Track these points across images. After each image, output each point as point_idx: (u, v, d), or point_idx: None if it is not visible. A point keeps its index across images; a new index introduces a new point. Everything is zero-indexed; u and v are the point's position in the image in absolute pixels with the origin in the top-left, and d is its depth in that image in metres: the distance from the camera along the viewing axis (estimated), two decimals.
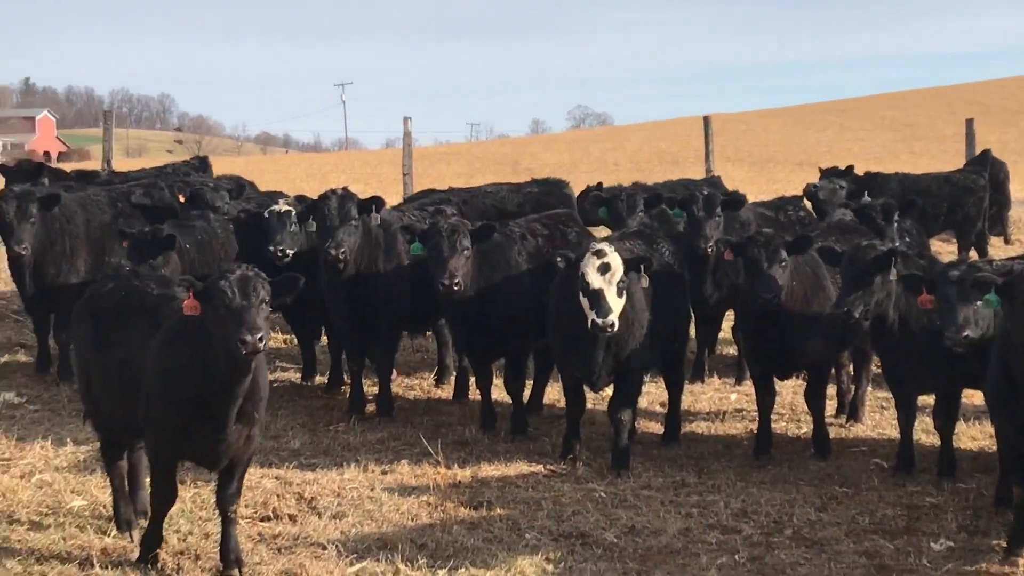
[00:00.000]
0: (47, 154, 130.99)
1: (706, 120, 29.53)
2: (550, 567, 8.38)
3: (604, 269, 9.96)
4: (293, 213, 12.65)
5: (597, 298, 9.93)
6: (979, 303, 8.85)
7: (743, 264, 10.98)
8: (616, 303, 9.96)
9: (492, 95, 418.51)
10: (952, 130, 47.92)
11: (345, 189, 12.26)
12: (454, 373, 13.62)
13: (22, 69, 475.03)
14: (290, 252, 12.49)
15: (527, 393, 12.35)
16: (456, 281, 11.05)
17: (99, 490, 9.73)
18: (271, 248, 12.48)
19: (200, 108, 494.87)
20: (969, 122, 27.74)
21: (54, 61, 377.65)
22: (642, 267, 10.31)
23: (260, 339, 7.34)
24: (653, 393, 12.97)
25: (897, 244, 11.31)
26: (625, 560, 8.57)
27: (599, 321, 9.86)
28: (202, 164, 19.89)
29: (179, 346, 7.79)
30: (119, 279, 8.91)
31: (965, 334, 8.88)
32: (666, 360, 11.55)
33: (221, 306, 7.46)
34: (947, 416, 10.40)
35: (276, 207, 12.72)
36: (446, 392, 13.61)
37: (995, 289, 8.47)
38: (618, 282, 9.97)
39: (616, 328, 9.94)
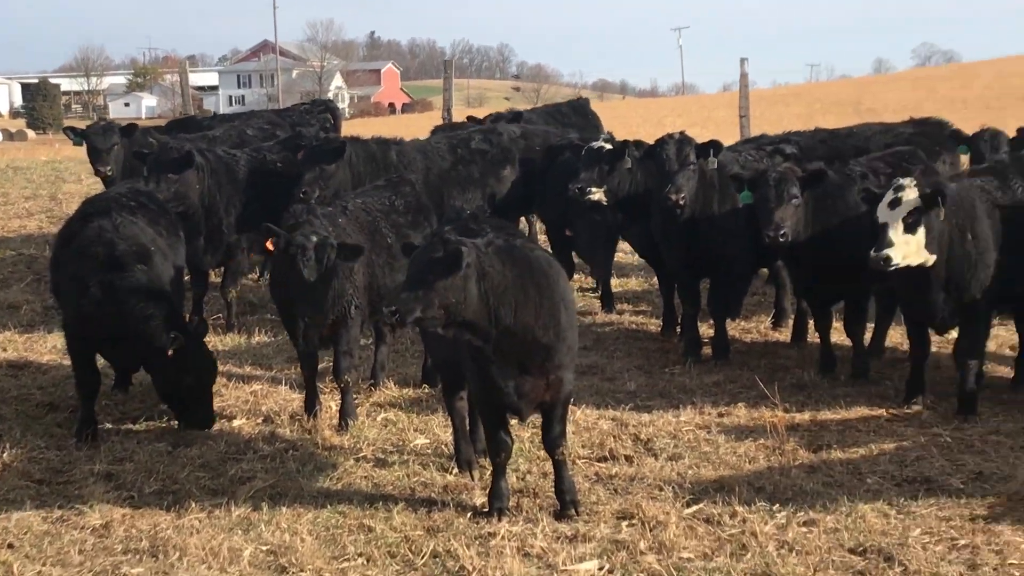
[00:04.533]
0: (391, 105, 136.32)
1: None
2: (892, 512, 8.15)
3: (895, 204, 9.68)
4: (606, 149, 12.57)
5: (881, 232, 9.70)
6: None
7: None
8: (901, 239, 9.63)
9: (832, 35, 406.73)
10: None
11: (682, 133, 12.18)
12: (792, 316, 13.41)
13: (368, 23, 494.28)
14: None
15: (868, 336, 12.04)
16: (782, 232, 10.87)
17: (441, 429, 10.11)
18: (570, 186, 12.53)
19: (538, 57, 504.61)
20: None
21: (398, 14, 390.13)
22: (940, 200, 9.75)
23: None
24: (1003, 336, 12.45)
25: None
26: (972, 507, 8.24)
27: (873, 255, 9.63)
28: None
29: None
30: (457, 223, 9.04)
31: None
32: (1018, 302, 10.98)
33: None
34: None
35: (595, 143, 12.69)
36: (783, 335, 13.42)
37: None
38: (904, 217, 9.64)
39: (893, 265, 9.62)
